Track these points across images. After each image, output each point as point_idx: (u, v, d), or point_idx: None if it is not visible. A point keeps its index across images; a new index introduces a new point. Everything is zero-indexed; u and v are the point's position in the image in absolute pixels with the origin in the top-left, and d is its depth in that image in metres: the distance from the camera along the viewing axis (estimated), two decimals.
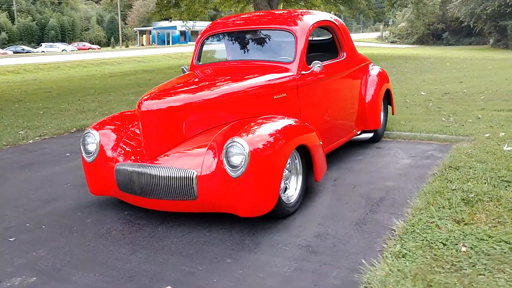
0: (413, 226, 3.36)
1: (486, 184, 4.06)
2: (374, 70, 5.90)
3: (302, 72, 4.33)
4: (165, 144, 3.57)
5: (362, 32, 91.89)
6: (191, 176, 3.36)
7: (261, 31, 4.71)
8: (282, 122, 3.63)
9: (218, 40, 4.95)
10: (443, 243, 3.10)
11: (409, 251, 3.01)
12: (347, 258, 3.03)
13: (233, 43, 4.89)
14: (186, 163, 3.45)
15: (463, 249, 3.00)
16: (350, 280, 2.77)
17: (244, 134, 3.34)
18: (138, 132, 3.85)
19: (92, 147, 3.88)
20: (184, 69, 4.96)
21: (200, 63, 4.84)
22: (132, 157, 3.71)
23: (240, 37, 4.84)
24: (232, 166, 3.27)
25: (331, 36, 5.39)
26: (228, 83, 3.97)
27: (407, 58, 24.49)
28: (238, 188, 3.28)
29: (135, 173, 3.54)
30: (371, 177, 4.61)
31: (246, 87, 3.94)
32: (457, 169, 4.51)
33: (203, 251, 3.23)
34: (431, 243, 3.10)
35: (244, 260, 3.07)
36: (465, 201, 3.74)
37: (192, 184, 3.37)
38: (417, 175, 4.60)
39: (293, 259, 3.06)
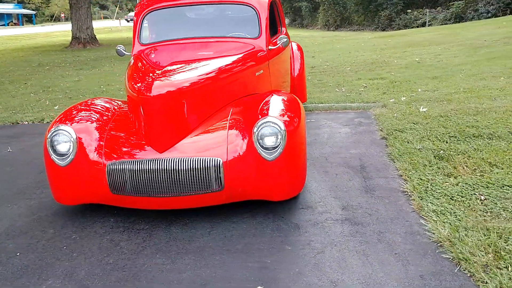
0: (420, 185, 3.58)
1: (440, 141, 4.53)
2: (294, 45, 6.01)
3: (269, 47, 4.18)
4: (176, 133, 3.12)
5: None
6: (217, 164, 3.01)
7: (215, 5, 4.37)
8: (285, 97, 3.47)
9: (162, 16, 4.42)
10: (461, 195, 3.38)
11: (444, 207, 3.22)
12: (395, 223, 3.10)
13: (182, 19, 4.43)
14: (207, 151, 3.07)
15: (482, 197, 3.33)
16: (422, 242, 2.85)
17: (272, 113, 3.11)
18: (131, 121, 3.30)
19: (65, 147, 3.16)
20: (122, 50, 4.33)
21: (146, 42, 4.27)
22: (132, 152, 3.14)
23: (190, 13, 4.42)
24: (267, 149, 3.03)
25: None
26: (220, 62, 3.61)
27: None
28: (273, 172, 3.07)
29: (145, 170, 3.01)
30: (332, 148, 4.73)
31: (240, 65, 3.66)
32: (402, 132, 4.93)
33: (250, 243, 2.95)
34: (452, 197, 3.36)
35: (303, 244, 2.91)
36: (438, 157, 4.13)
37: (219, 173, 3.03)
38: (369, 141, 4.88)
39: (348, 233, 3.01)
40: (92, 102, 3.62)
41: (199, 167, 3.00)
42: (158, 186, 3.02)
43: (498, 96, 6.08)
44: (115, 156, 3.14)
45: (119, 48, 4.33)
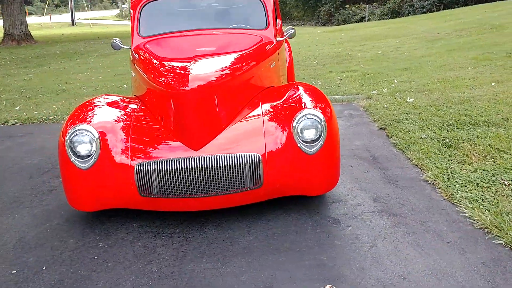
0: (440, 174, 3.62)
1: (441, 130, 4.62)
2: None
3: (277, 38, 4.07)
4: (211, 129, 2.94)
5: (91, 10, 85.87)
6: (257, 160, 2.88)
7: None
8: (311, 89, 3.38)
9: (161, 7, 4.17)
10: (484, 182, 3.44)
11: (473, 194, 3.26)
12: (431, 212, 3.10)
13: (182, 10, 4.21)
14: (244, 147, 2.92)
15: (506, 183, 3.41)
16: (468, 229, 2.87)
17: (309, 105, 3.01)
18: (154, 118, 3.08)
19: (87, 149, 2.89)
20: (118, 43, 4.05)
21: (147, 35, 4.01)
22: (162, 150, 2.92)
23: (190, 3, 4.20)
24: (308, 142, 2.93)
25: None
26: (243, 54, 3.45)
27: None
28: (314, 165, 2.97)
29: (181, 169, 2.82)
30: None
31: (261, 58, 3.51)
32: (399, 122, 4.99)
33: (296, 241, 2.85)
34: (477, 183, 3.42)
35: (351, 238, 2.85)
36: (445, 146, 4.20)
37: (259, 169, 2.89)
38: (368, 132, 4.90)
39: (391, 225, 2.98)
40: (102, 99, 3.34)
41: (238, 163, 2.84)
42: (195, 186, 2.84)
43: (474, 86, 6.31)
44: (143, 156, 2.91)
45: (115, 41, 4.04)
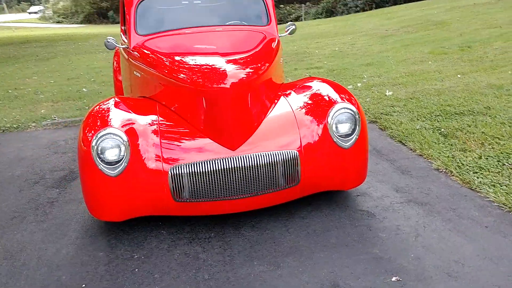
0: (449, 162, 3.73)
1: (431, 120, 4.77)
2: None
3: (280, 35, 4.02)
4: (248, 127, 2.84)
5: (9, 13, 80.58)
6: (295, 157, 2.83)
7: None
8: (331, 83, 3.37)
9: (157, 4, 3.98)
10: (493, 167, 3.59)
11: (489, 179, 3.39)
12: (456, 199, 3.18)
13: (180, 7, 4.04)
14: (280, 145, 2.86)
15: None
16: (498, 213, 2.97)
17: (341, 99, 3.00)
18: (179, 119, 2.93)
19: (115, 154, 2.70)
20: (113, 41, 3.82)
21: (145, 33, 3.81)
22: (197, 152, 2.79)
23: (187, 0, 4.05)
24: (343, 136, 2.92)
25: None
26: (261, 51, 3.37)
27: (91, 37, 23.11)
28: (349, 159, 2.96)
29: (220, 170, 2.70)
30: None
31: (275, 54, 3.44)
32: (388, 115, 5.11)
33: (340, 236, 2.82)
34: (488, 169, 3.56)
35: (393, 229, 2.86)
36: (442, 135, 4.35)
37: (297, 166, 2.84)
38: None
39: (425, 214, 3.03)
40: (114, 102, 3.14)
41: (278, 161, 2.77)
42: (235, 186, 2.74)
43: (442, 78, 6.59)
44: (177, 158, 2.76)
45: (110, 40, 3.80)
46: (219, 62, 2.98)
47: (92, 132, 2.73)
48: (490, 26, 10.09)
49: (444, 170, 3.65)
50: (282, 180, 2.81)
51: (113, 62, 5.39)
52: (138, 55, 3.54)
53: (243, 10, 4.08)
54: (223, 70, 2.80)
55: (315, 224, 2.97)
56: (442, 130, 4.44)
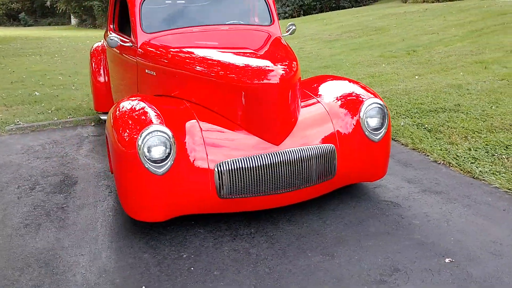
0: (446, 155, 4.02)
1: (411, 118, 5.08)
2: None
3: (283, 34, 4.12)
4: (290, 122, 2.90)
5: None
6: (333, 150, 2.93)
7: None
8: (352, 80, 3.51)
9: (161, 3, 3.90)
10: (485, 158, 3.91)
11: (488, 168, 3.69)
12: (465, 187, 3.43)
13: (183, 6, 3.98)
14: (318, 139, 2.95)
15: (504, 157, 3.92)
16: (511, 197, 3.26)
17: (369, 94, 3.14)
18: (216, 115, 2.92)
19: (161, 152, 2.64)
20: (116, 39, 3.71)
21: (152, 31, 3.72)
22: (240, 147, 2.80)
23: None
24: (374, 130, 3.06)
25: None
26: (281, 49, 3.42)
27: (10, 40, 21.55)
28: (378, 152, 3.12)
29: (267, 165, 2.74)
30: None
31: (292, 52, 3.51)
32: None
33: (375, 225, 2.95)
34: (482, 159, 3.87)
35: (425, 217, 3.04)
36: (427, 131, 4.65)
37: (334, 159, 2.95)
38: None
39: (444, 201, 3.23)
40: (141, 99, 3.05)
41: (318, 155, 2.86)
42: (281, 181, 2.78)
43: (402, 79, 6.99)
44: (222, 155, 2.75)
45: (114, 38, 3.67)
46: (255, 58, 3.00)
47: (134, 131, 2.64)
48: (427, 32, 10.83)
49: (442, 162, 3.91)
50: (322, 173, 2.89)
51: (91, 64, 5.17)
52: (154, 52, 3.46)
53: (245, 10, 4.12)
54: (265, 67, 2.83)
55: (348, 215, 3.07)
56: (426, 126, 4.74)
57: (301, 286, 2.35)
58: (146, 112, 2.81)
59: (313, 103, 3.12)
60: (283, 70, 2.84)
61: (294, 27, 4.18)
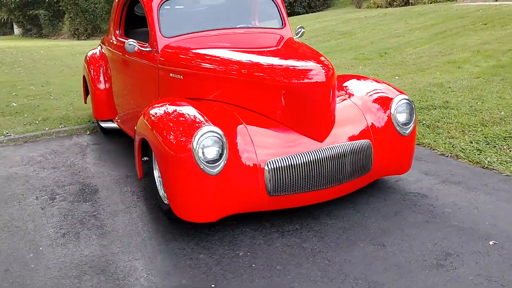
0: (452, 148, 4.25)
1: None
2: None
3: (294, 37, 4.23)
4: (332, 119, 3.00)
5: None
6: (369, 146, 3.07)
7: None
8: (370, 78, 3.66)
9: (178, 7, 3.92)
10: (488, 149, 4.17)
11: (496, 158, 3.94)
12: (482, 176, 3.65)
13: (204, 9, 4.01)
14: (355, 135, 3.08)
15: (505, 147, 4.19)
16: None
17: (397, 91, 3.31)
18: (255, 114, 2.99)
19: (215, 152, 2.68)
20: (133, 44, 3.70)
21: (171, 35, 3.73)
22: (287, 145, 2.88)
23: (211, 2, 4.05)
24: (403, 125, 3.22)
25: None
26: (307, 48, 3.52)
27: None
28: (407, 146, 3.28)
29: (315, 161, 2.83)
30: None
31: None
32: None
33: (412, 215, 3.10)
34: (486, 151, 4.13)
35: (455, 206, 3.21)
36: (427, 126, 4.89)
37: (371, 154, 3.09)
38: None
39: (466, 191, 3.43)
40: (178, 103, 3.08)
41: (359, 150, 2.98)
42: (325, 176, 2.88)
43: (383, 80, 7.27)
44: (269, 153, 2.82)
45: (132, 43, 3.66)
46: (294, 59, 3.09)
47: (185, 133, 2.66)
48: (393, 35, 11.28)
49: (450, 155, 4.13)
50: (362, 168, 3.01)
51: (89, 72, 5.08)
52: (180, 56, 3.48)
53: (257, 13, 4.20)
54: (309, 66, 2.91)
55: (382, 208, 3.21)
56: (424, 122, 4.98)
57: (366, 275, 2.45)
58: (193, 114, 2.83)
59: (344, 100, 3.24)
60: (325, 69, 2.94)
61: (303, 30, 4.30)
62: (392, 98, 3.19)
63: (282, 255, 2.68)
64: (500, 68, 7.18)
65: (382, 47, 10.07)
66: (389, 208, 3.19)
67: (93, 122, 5.78)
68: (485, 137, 4.40)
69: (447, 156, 4.12)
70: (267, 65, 3.03)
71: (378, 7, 19.30)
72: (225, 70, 3.16)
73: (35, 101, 7.48)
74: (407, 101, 3.20)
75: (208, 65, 3.28)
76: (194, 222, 2.82)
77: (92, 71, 5.03)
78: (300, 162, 2.79)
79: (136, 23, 4.75)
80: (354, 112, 3.16)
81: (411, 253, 2.64)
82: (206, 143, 2.62)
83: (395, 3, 18.52)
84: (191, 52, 3.45)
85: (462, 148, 4.19)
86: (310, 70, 2.87)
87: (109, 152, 4.77)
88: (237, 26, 3.98)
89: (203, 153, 2.62)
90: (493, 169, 3.76)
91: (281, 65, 2.98)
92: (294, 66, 2.94)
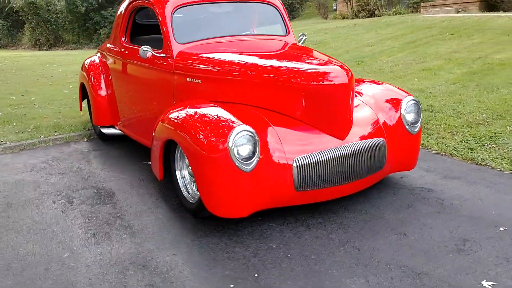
0: (446, 147, 4.55)
1: None
2: None
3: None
4: (351, 119, 3.21)
5: None
6: (384, 144, 3.30)
7: (240, 3, 4.30)
8: (377, 82, 3.90)
9: (190, 14, 4.04)
10: (478, 146, 4.49)
11: (488, 155, 4.25)
12: (476, 172, 3.92)
13: (210, 17, 4.15)
14: (370, 133, 3.30)
15: (494, 145, 4.52)
16: None
17: (405, 92, 3.55)
18: (277, 114, 3.16)
19: (249, 150, 2.84)
20: (148, 50, 3.82)
21: (184, 41, 3.86)
22: (311, 143, 3.06)
23: (219, 10, 4.19)
24: (412, 123, 3.47)
25: None
26: (318, 53, 3.73)
27: None
28: (415, 143, 3.52)
29: (339, 157, 3.03)
30: None
31: None
32: None
33: (427, 209, 3.33)
34: (477, 149, 4.44)
35: (460, 198, 3.47)
36: None
37: (385, 151, 3.32)
38: None
39: (466, 185, 3.70)
40: (201, 105, 3.22)
41: (376, 147, 3.20)
42: (347, 172, 3.08)
43: None
44: (296, 150, 2.99)
45: (147, 49, 3.78)
46: (313, 63, 3.28)
47: (219, 133, 2.79)
48: (366, 44, 11.72)
49: (444, 153, 4.42)
50: (378, 164, 3.23)
51: (90, 79, 5.12)
52: (198, 60, 3.61)
53: (263, 21, 4.39)
54: (331, 69, 3.10)
55: (395, 201, 3.43)
56: None
57: (396, 260, 2.65)
58: (224, 115, 2.98)
59: (357, 101, 3.45)
60: (346, 71, 3.14)
61: (305, 37, 4.52)
62: (401, 99, 3.43)
63: (313, 245, 2.84)
64: (473, 74, 7.63)
65: (358, 56, 10.45)
66: (401, 202, 3.41)
67: (89, 129, 5.81)
68: (473, 137, 4.72)
69: (442, 155, 4.40)
70: (290, 68, 3.21)
71: (344, 18, 19.91)
72: (249, 74, 3.31)
73: (20, 110, 7.39)
74: (415, 102, 3.44)
75: (230, 69, 3.42)
76: (228, 217, 2.95)
77: (92, 78, 5.08)
78: (325, 159, 2.97)
79: (137, 31, 4.85)
80: (368, 112, 3.38)
81: (431, 240, 2.86)
82: (241, 141, 2.77)
83: (360, 14, 19.15)
84: (210, 56, 3.59)
85: (455, 147, 4.48)
86: (333, 72, 3.06)
87: (113, 157, 4.82)
88: (243, 33, 4.14)
89: (237, 151, 2.76)
90: (487, 165, 4.05)
91: (304, 68, 3.16)
92: (317, 69, 3.13)
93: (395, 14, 17.21)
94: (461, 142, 4.61)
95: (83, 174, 4.33)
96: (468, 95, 6.37)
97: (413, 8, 17.47)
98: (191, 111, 3.12)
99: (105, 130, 5.09)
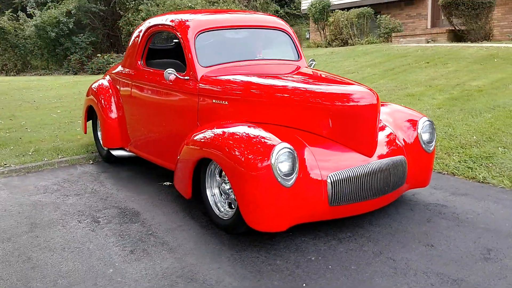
0: (447, 167, 4.83)
1: None
2: None
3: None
4: (377, 137, 3.42)
5: None
6: (405, 161, 3.52)
7: (255, 29, 4.51)
8: (389, 104, 4.16)
9: (211, 38, 4.22)
10: (476, 166, 4.79)
11: (486, 174, 4.55)
12: (480, 188, 4.20)
13: (229, 42, 4.35)
14: (391, 151, 3.52)
15: (490, 165, 4.83)
16: None
17: (419, 113, 3.81)
18: (304, 133, 3.35)
19: (288, 166, 3.00)
20: (173, 73, 3.98)
21: (207, 65, 4.03)
22: (343, 160, 3.25)
23: (236, 35, 4.39)
24: (427, 143, 3.72)
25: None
26: (338, 76, 3.96)
27: None
28: (430, 161, 3.77)
29: (370, 174, 3.23)
30: None
31: None
32: None
33: (444, 222, 3.56)
34: (476, 168, 4.74)
35: (472, 212, 3.71)
36: None
37: (406, 169, 3.54)
38: None
39: (474, 200, 3.95)
40: (234, 125, 3.38)
41: (399, 164, 3.42)
42: (377, 187, 3.27)
43: None
44: (329, 167, 3.17)
45: (172, 72, 3.93)
46: (339, 84, 3.49)
47: (262, 151, 2.95)
48: (347, 71, 12.16)
49: (446, 173, 4.69)
50: (401, 180, 3.45)
51: (99, 101, 5.20)
52: (224, 83, 3.77)
53: (277, 47, 4.61)
54: (359, 91, 3.31)
55: (413, 216, 3.63)
56: None
57: (432, 269, 2.83)
58: (261, 133, 3.13)
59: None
60: (373, 93, 3.36)
61: (315, 62, 4.75)
62: (417, 120, 3.68)
63: (350, 257, 3.00)
64: (454, 100, 8.05)
65: None
66: (420, 216, 3.62)
67: (92, 152, 5.83)
68: (469, 157, 5.01)
69: (444, 174, 4.66)
70: (320, 90, 3.41)
71: (318, 46, 20.53)
72: (280, 96, 3.49)
73: (14, 134, 7.33)
74: (430, 122, 3.70)
75: (258, 91, 3.59)
76: (268, 231, 3.07)
77: (103, 101, 5.15)
78: (356, 175, 3.16)
79: (149, 55, 4.99)
80: (388, 131, 3.61)
81: (458, 250, 3.06)
82: (282, 158, 2.93)
83: (334, 43, 19.80)
84: (237, 79, 3.76)
85: (455, 167, 4.76)
86: (363, 94, 3.28)
87: (124, 179, 4.87)
88: (258, 58, 4.35)
89: (279, 168, 2.91)
90: (489, 183, 4.33)
91: (333, 90, 3.37)
92: (346, 90, 3.34)
93: (368, 44, 17.89)
94: (460, 162, 4.90)
95: (100, 195, 4.36)
96: (455, 119, 6.73)
97: (384, 38, 18.21)
98: (228, 130, 3.26)
99: (115, 152, 5.13)
